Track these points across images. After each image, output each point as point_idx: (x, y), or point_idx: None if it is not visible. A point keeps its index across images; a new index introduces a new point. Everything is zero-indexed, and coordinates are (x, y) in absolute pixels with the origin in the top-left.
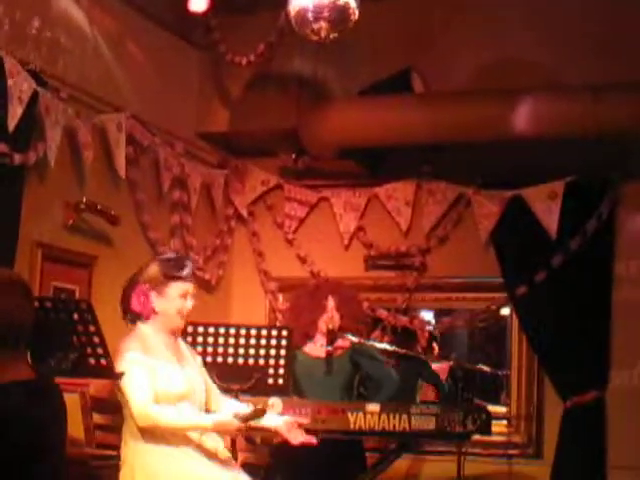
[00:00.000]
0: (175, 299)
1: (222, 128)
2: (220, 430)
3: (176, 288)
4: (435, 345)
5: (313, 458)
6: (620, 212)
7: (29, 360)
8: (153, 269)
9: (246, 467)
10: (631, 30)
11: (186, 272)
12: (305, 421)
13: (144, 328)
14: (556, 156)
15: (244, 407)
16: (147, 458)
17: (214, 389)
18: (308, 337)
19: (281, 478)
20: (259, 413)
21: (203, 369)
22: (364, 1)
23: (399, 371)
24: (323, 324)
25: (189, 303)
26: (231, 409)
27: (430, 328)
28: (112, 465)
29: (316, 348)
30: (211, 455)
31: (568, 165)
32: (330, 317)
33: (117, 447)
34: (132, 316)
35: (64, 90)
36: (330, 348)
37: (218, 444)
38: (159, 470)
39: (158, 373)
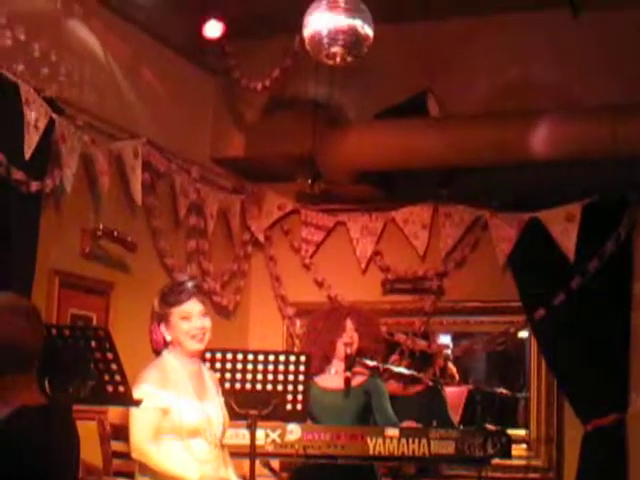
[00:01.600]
0: (180, 323)
1: (238, 153)
2: None
3: (177, 313)
4: (451, 367)
5: None
6: (638, 233)
7: (45, 387)
8: (155, 303)
9: None
10: None
11: (184, 295)
12: None
13: (168, 357)
14: (573, 178)
15: None
16: None
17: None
18: (326, 361)
19: None
20: None
21: (222, 403)
22: (379, 24)
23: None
24: (342, 346)
25: (197, 323)
26: None
27: (447, 352)
28: None
29: (330, 378)
30: None
31: (585, 187)
32: (350, 337)
33: (134, 475)
34: (155, 349)
35: (80, 117)
36: (349, 374)
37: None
38: None
39: (172, 407)
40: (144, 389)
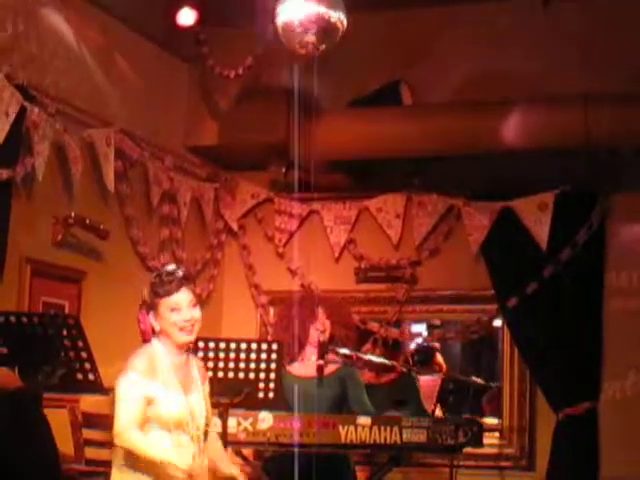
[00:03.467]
0: (168, 314)
1: (211, 142)
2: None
3: (165, 304)
4: (439, 358)
5: (305, 472)
6: (610, 223)
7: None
8: (145, 291)
9: None
10: (621, 41)
11: (173, 285)
12: None
13: (157, 346)
14: (546, 167)
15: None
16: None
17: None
18: (299, 349)
19: None
20: None
21: (207, 395)
22: (353, 13)
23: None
24: (315, 332)
25: (186, 314)
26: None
27: (436, 344)
28: None
29: (303, 366)
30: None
31: (558, 176)
32: (322, 324)
33: (107, 463)
34: (144, 339)
35: (52, 105)
36: (322, 362)
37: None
38: None
39: (157, 398)
40: (132, 377)
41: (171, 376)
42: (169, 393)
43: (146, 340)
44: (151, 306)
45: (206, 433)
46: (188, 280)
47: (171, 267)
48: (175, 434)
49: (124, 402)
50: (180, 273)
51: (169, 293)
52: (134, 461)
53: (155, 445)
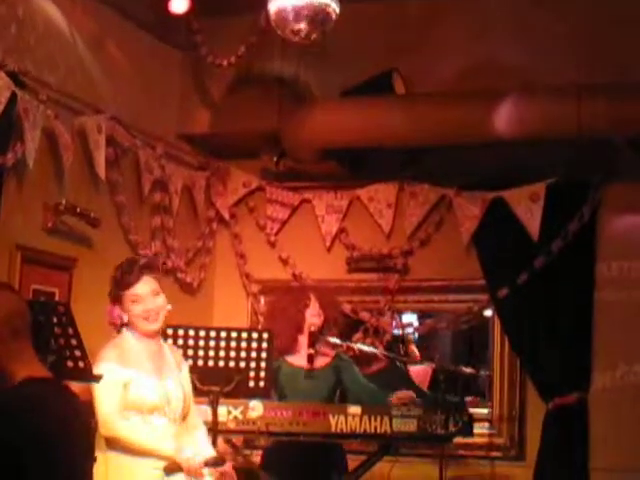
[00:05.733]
0: (131, 306)
1: (203, 130)
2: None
3: (129, 294)
4: (414, 348)
5: (298, 461)
6: (602, 213)
7: None
8: (110, 285)
9: None
10: (613, 32)
11: (133, 277)
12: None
13: (127, 336)
14: (538, 158)
15: (207, 448)
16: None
17: (192, 404)
18: (294, 339)
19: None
20: (219, 461)
21: (187, 379)
22: (345, 2)
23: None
24: (311, 319)
25: (148, 304)
26: (200, 445)
27: (408, 332)
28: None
29: (300, 357)
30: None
31: (550, 167)
32: (316, 312)
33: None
34: (116, 330)
35: (43, 92)
36: (312, 351)
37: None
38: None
39: (131, 384)
40: (103, 367)
41: (144, 362)
42: (143, 378)
43: (118, 331)
44: (116, 299)
45: (185, 416)
46: (150, 268)
47: (133, 256)
48: (148, 418)
49: (103, 390)
50: (140, 262)
51: (130, 285)
52: (116, 444)
53: (143, 433)
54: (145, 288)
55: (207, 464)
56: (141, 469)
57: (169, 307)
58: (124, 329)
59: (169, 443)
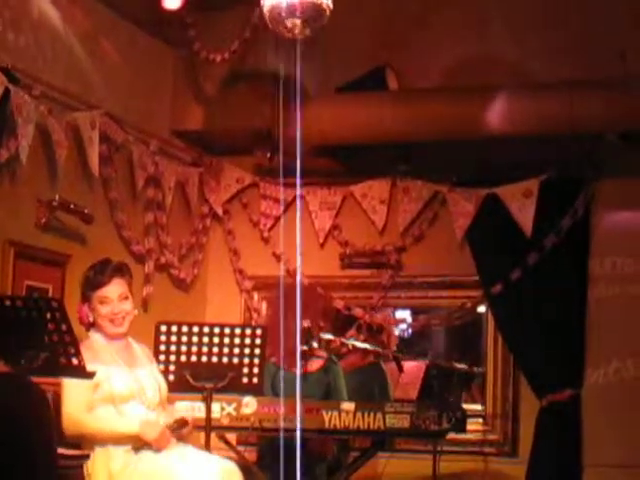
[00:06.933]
0: (99, 307)
1: (197, 126)
2: (146, 432)
3: (96, 296)
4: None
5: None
6: (595, 210)
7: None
8: (82, 284)
9: None
10: (606, 28)
11: (104, 277)
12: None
13: (94, 336)
14: (531, 154)
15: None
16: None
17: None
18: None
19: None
20: (182, 423)
21: (157, 372)
22: None
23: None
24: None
25: (115, 307)
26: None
27: (402, 327)
28: (82, 465)
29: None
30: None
31: (543, 163)
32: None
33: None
34: (85, 327)
35: (36, 88)
36: (306, 348)
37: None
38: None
39: (102, 379)
40: None
41: (113, 357)
42: (113, 370)
43: (87, 330)
44: (86, 298)
45: (163, 403)
46: (121, 272)
47: (105, 259)
48: (122, 408)
49: (69, 391)
50: (112, 265)
51: (100, 285)
52: (86, 442)
53: (108, 419)
54: (115, 290)
55: (171, 428)
56: (114, 455)
57: (136, 312)
58: (91, 331)
59: (134, 422)
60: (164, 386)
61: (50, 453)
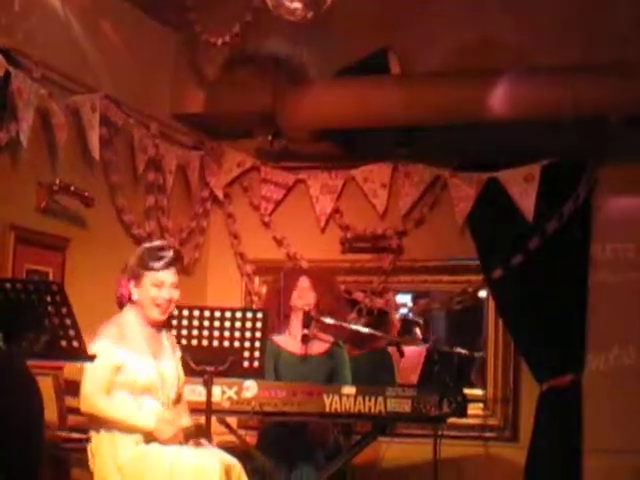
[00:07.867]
0: (149, 289)
1: (198, 109)
2: (161, 431)
3: (149, 278)
4: (417, 330)
5: (292, 440)
6: (597, 195)
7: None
8: (132, 260)
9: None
10: (609, 12)
11: (160, 263)
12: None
13: (128, 314)
14: (533, 138)
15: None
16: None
17: (183, 395)
18: (285, 321)
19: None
20: (199, 432)
21: (179, 365)
22: None
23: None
24: (296, 301)
25: (165, 293)
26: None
27: (405, 311)
28: (84, 448)
29: (295, 344)
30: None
31: (545, 147)
32: (302, 294)
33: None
34: (119, 302)
35: (37, 70)
36: (307, 332)
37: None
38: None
39: (126, 364)
40: (100, 344)
41: (141, 343)
42: (138, 358)
43: (121, 304)
44: (135, 275)
45: (179, 397)
46: (178, 262)
47: (163, 243)
48: (140, 399)
49: (91, 369)
50: (172, 253)
51: (157, 269)
52: (97, 423)
53: (124, 407)
54: (170, 277)
55: (187, 432)
56: (122, 444)
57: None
58: (126, 307)
59: (149, 416)
60: (183, 378)
61: (36, 435)
